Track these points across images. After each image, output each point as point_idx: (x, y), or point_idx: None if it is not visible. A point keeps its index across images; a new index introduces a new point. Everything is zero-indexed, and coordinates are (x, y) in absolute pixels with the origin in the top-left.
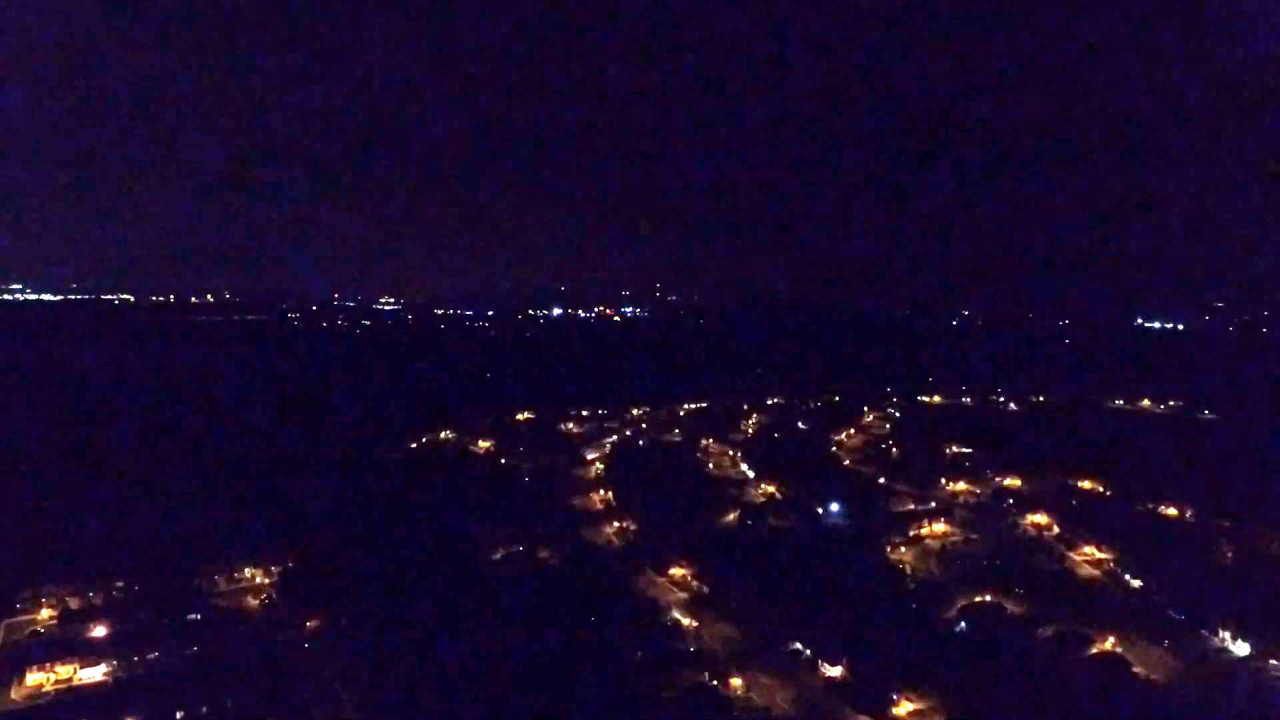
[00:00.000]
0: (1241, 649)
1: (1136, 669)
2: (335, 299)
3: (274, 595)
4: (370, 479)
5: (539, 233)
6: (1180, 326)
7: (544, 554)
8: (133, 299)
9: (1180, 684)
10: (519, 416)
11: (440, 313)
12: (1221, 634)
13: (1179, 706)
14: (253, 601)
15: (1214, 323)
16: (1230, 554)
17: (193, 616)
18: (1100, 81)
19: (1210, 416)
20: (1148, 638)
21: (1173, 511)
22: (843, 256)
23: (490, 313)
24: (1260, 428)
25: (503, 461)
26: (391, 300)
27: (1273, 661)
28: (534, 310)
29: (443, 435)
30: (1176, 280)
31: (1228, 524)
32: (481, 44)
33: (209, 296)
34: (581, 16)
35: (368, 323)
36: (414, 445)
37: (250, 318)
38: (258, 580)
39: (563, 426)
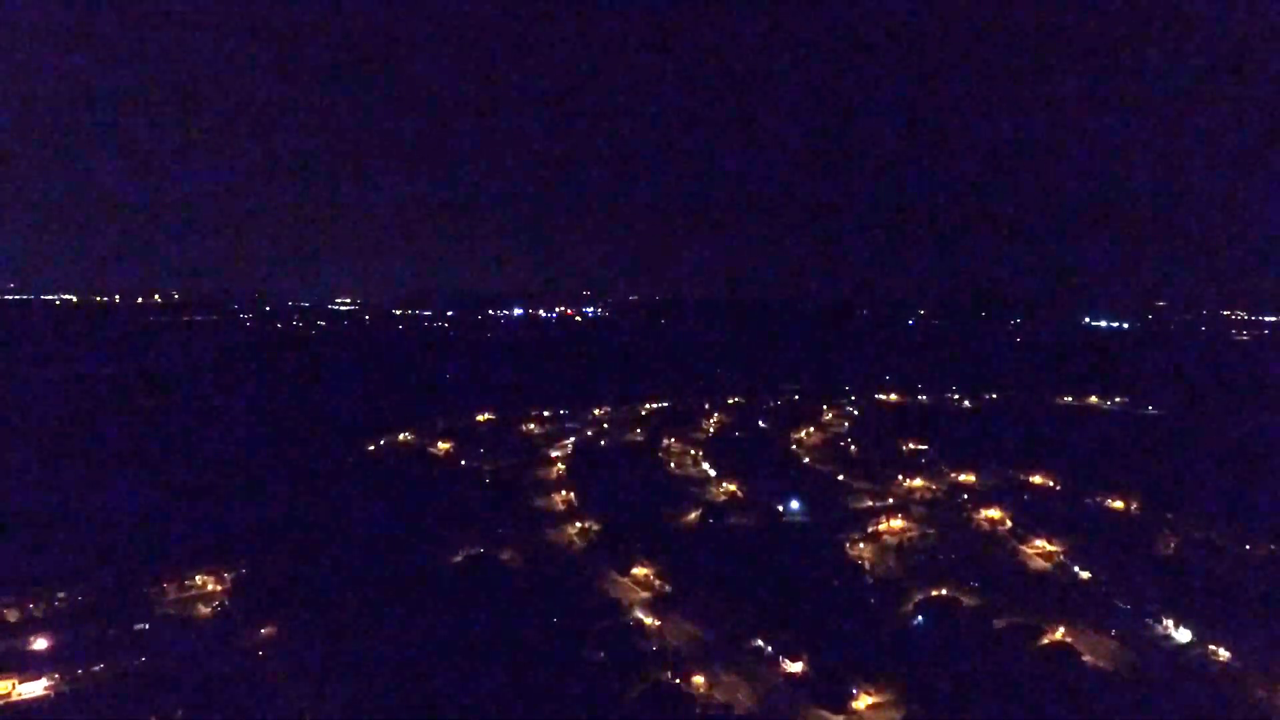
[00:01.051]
0: (1183, 636)
1: (1085, 657)
2: (290, 299)
3: (227, 602)
4: (327, 482)
5: (499, 232)
6: (1125, 326)
7: (505, 555)
8: (75, 299)
9: (1126, 671)
10: (479, 417)
11: (398, 313)
12: (1164, 622)
13: (1124, 693)
14: (204, 609)
15: (1156, 322)
16: (1172, 545)
17: (140, 626)
18: (1050, 83)
19: (1153, 412)
20: (1095, 627)
21: (1119, 504)
22: (801, 257)
23: (450, 313)
24: (1199, 423)
25: (463, 463)
26: (348, 300)
27: (1211, 647)
28: (494, 310)
29: (401, 437)
30: (1122, 282)
31: (1169, 516)
32: (436, 39)
33: (156, 297)
34: (542, 12)
35: (323, 323)
36: (371, 447)
37: (199, 318)
38: (209, 587)
39: (524, 427)
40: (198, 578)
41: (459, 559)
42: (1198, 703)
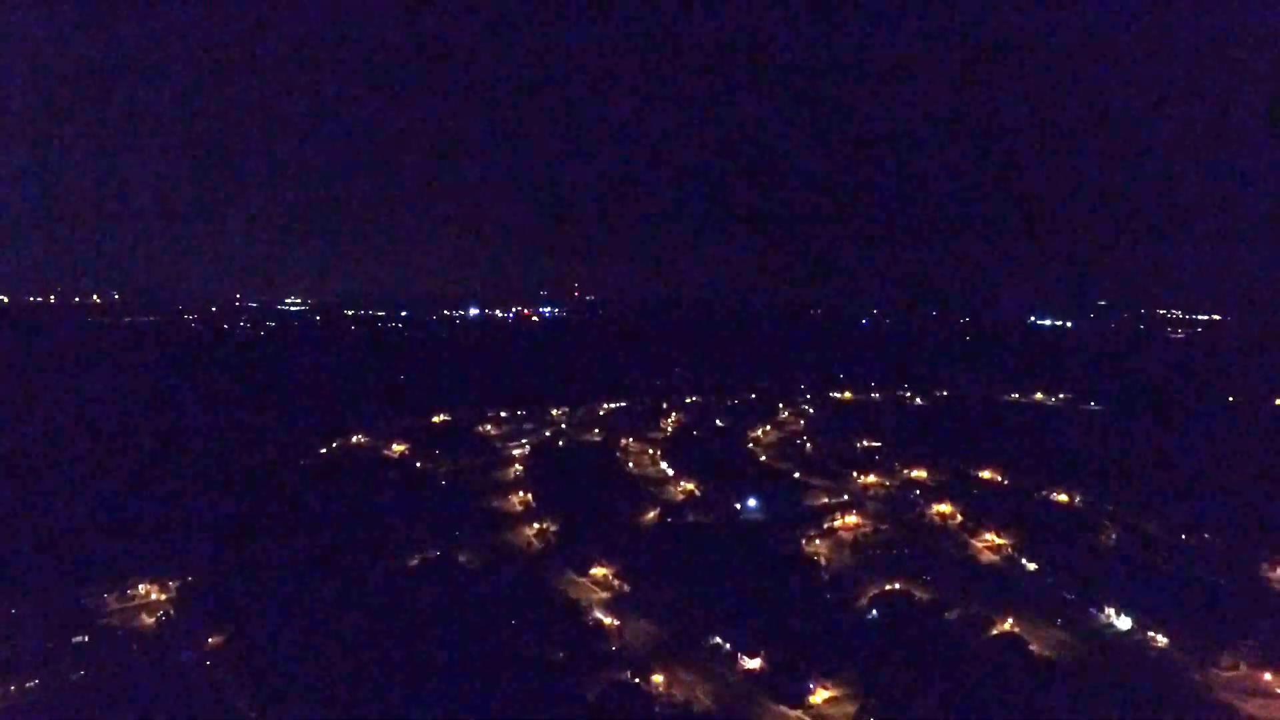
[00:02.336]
0: (1124, 623)
1: (1033, 646)
2: (237, 299)
3: (172, 612)
4: (278, 487)
5: (454, 232)
6: (1069, 325)
7: (462, 557)
8: (5, 299)
9: (1071, 659)
10: (435, 419)
11: (351, 314)
12: (1107, 611)
13: (1070, 680)
14: (148, 620)
15: (1098, 321)
16: (1113, 536)
17: (79, 639)
18: (1000, 86)
19: (1095, 408)
20: (1043, 617)
21: (1063, 498)
22: (758, 258)
23: (404, 313)
24: (1138, 418)
25: (418, 465)
26: (298, 301)
27: (1150, 633)
28: (450, 310)
29: (355, 439)
30: (1065, 282)
31: (1111, 508)
32: (383, 32)
33: (94, 297)
34: (490, 8)
35: (272, 324)
36: (324, 451)
37: (140, 320)
38: (153, 597)
39: (481, 428)
40: (140, 587)
41: (415, 562)
42: (1138, 687)
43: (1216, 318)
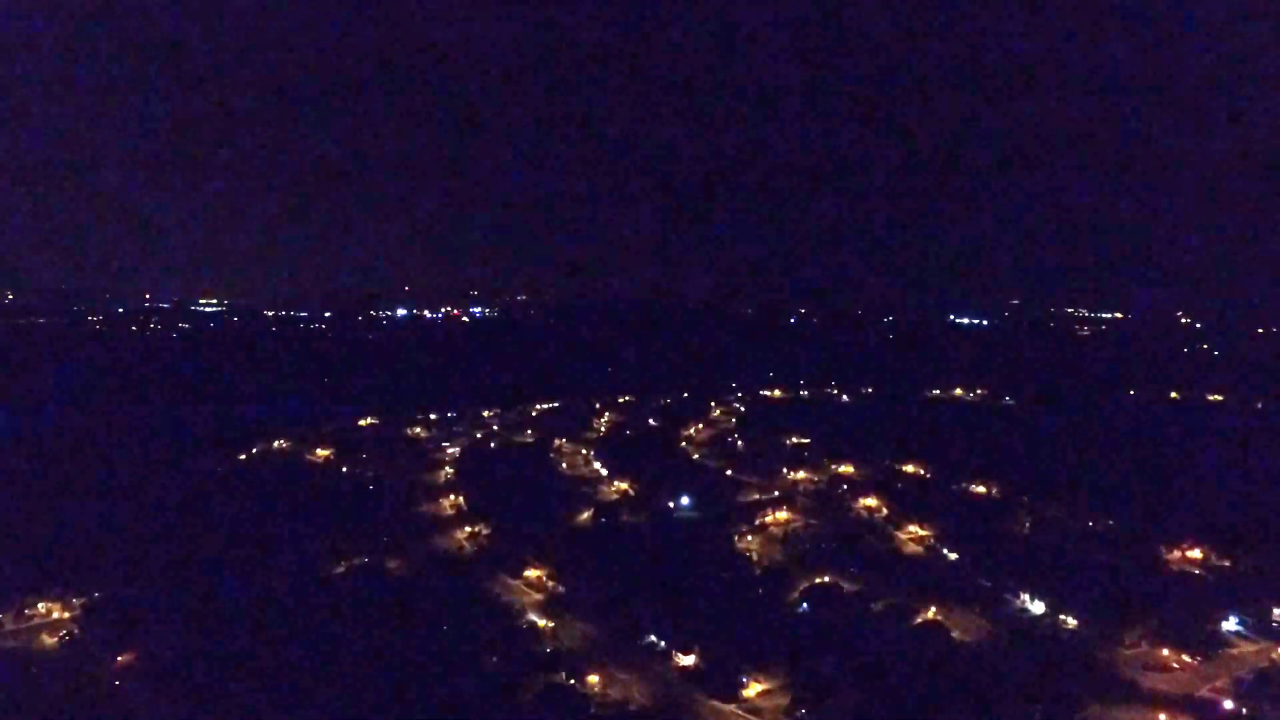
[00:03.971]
0: (1038, 608)
1: (955, 634)
2: (147, 300)
3: (76, 631)
4: (193, 496)
5: (380, 230)
6: (985, 323)
7: (391, 564)
8: None
9: (990, 644)
10: (361, 422)
11: (271, 314)
12: (1022, 596)
13: (988, 664)
14: (50, 640)
15: (1012, 319)
16: (1027, 525)
17: None
18: (915, 86)
19: (1010, 403)
20: (963, 605)
21: (981, 490)
22: (688, 257)
23: (328, 314)
24: (1049, 412)
25: (344, 470)
26: (213, 301)
27: (1061, 616)
28: (376, 311)
29: (275, 444)
30: (982, 281)
31: (1025, 498)
32: (298, 26)
33: None
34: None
35: (186, 325)
36: (242, 457)
37: (39, 321)
38: (55, 615)
39: (409, 431)
40: (40, 605)
41: (341, 570)
42: (1051, 667)
43: (1119, 316)
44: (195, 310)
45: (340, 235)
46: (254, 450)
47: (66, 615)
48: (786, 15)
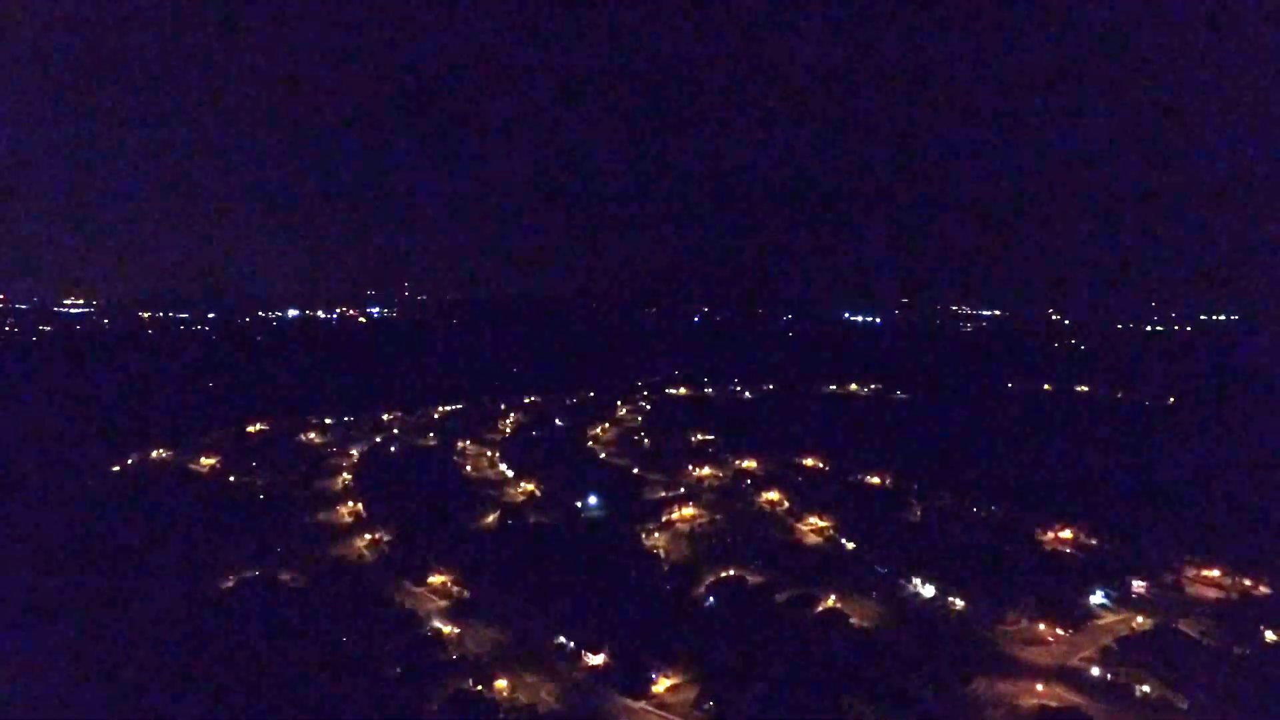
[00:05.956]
0: (929, 591)
1: (853, 620)
2: (1, 300)
3: None
4: (62, 510)
5: (270, 229)
6: (878, 320)
7: (285, 576)
8: None
9: (885, 628)
10: (250, 429)
11: (146, 315)
12: (914, 581)
13: (883, 647)
14: None
15: (903, 315)
16: (918, 513)
17: None
18: (815, 95)
19: (901, 397)
20: (860, 592)
21: (876, 480)
22: (592, 256)
23: (211, 315)
24: (936, 404)
25: (231, 479)
26: (81, 301)
27: (950, 599)
28: (264, 311)
29: (155, 454)
30: (875, 279)
31: (916, 487)
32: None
33: None
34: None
35: (48, 328)
36: (117, 468)
37: None
38: None
39: (303, 436)
40: None
41: (230, 584)
42: (941, 646)
43: (998, 313)
44: (59, 311)
45: (225, 232)
46: (129, 461)
47: None
48: (688, 22)
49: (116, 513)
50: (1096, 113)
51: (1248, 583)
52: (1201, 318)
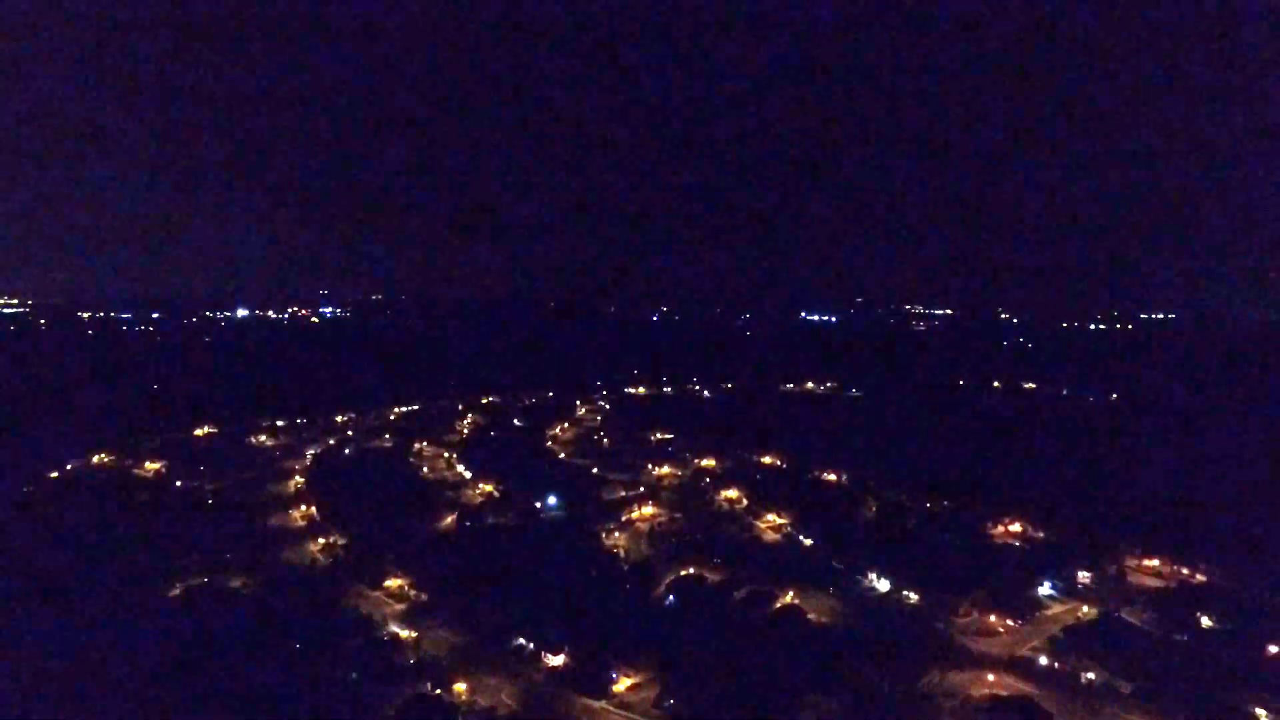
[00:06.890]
0: (884, 585)
1: (810, 615)
2: None
3: None
4: None
5: (222, 227)
6: (833, 319)
7: (235, 582)
8: None
9: (841, 622)
10: (197, 432)
11: (86, 315)
12: (869, 575)
13: (841, 641)
14: None
15: (858, 316)
16: (873, 509)
17: None
18: (766, 94)
19: (856, 394)
20: (818, 587)
21: (832, 477)
22: (552, 257)
23: (155, 315)
24: (890, 402)
25: (178, 484)
26: (14, 301)
27: (905, 592)
28: (213, 312)
29: (96, 459)
30: (830, 280)
31: (870, 484)
32: (154, 28)
33: None
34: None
35: None
36: (55, 474)
37: None
38: None
39: (253, 439)
40: None
41: (177, 592)
42: (895, 638)
43: (949, 312)
44: None
45: (172, 230)
46: (68, 466)
47: None
48: (643, 23)
49: (55, 521)
50: (1043, 118)
51: (1186, 572)
52: (1143, 317)
